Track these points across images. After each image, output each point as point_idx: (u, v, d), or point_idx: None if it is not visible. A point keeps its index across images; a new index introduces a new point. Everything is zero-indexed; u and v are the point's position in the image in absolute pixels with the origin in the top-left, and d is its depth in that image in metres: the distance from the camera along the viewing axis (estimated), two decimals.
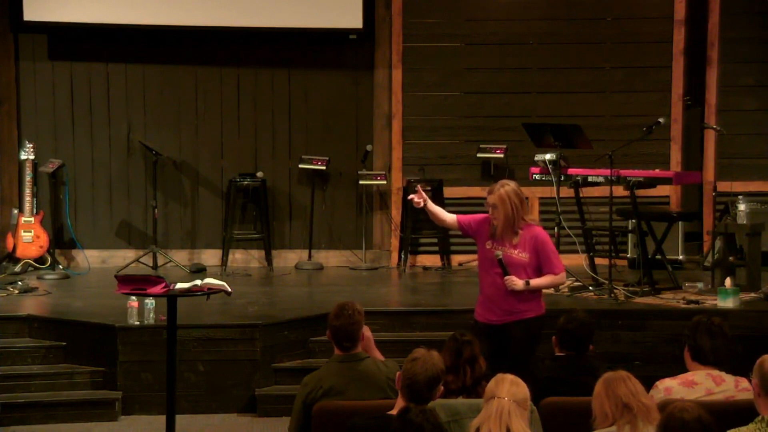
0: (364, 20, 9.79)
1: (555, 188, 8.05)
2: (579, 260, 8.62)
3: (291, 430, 4.68)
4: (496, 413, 3.62)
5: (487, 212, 5.67)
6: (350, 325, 4.69)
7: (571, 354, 4.93)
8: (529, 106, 9.90)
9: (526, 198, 6.07)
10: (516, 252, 5.60)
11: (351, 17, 9.76)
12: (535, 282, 5.61)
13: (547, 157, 8.11)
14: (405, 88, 9.97)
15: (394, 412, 4.00)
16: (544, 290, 5.83)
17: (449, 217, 5.84)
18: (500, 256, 5.58)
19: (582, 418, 3.93)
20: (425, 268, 9.82)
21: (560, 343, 4.99)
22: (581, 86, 9.93)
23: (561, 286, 7.35)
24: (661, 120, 8.21)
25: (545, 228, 5.86)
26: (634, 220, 8.58)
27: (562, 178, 8.17)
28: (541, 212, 9.75)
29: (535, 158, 8.29)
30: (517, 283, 5.56)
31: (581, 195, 8.47)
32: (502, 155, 9.72)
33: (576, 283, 8.10)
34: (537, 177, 8.36)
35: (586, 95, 9.93)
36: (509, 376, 3.78)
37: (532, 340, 5.67)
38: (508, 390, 3.69)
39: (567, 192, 8.43)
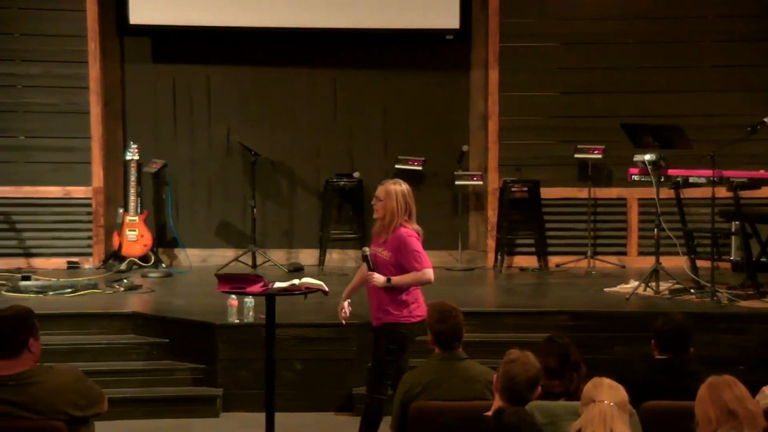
0: (460, 20, 9.78)
1: (655, 189, 7.93)
2: (680, 262, 8.46)
3: (392, 429, 4.71)
4: (599, 417, 3.58)
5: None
6: (456, 325, 4.73)
7: (670, 356, 4.86)
8: (625, 105, 9.72)
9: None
10: (380, 250, 5.62)
11: (448, 17, 9.76)
12: (396, 279, 5.55)
13: (647, 157, 7.99)
14: (501, 88, 9.92)
15: (490, 413, 3.99)
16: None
17: None
18: (367, 252, 5.61)
19: (682, 422, 3.86)
20: (522, 269, 9.75)
21: (658, 346, 4.92)
22: (680, 85, 9.74)
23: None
24: (766, 119, 8.01)
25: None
26: (737, 222, 8.38)
27: (662, 179, 8.04)
28: (640, 213, 9.61)
29: (635, 159, 8.17)
30: (377, 279, 5.55)
31: (682, 196, 8.32)
32: (600, 155, 9.60)
33: (676, 286, 7.96)
34: (636, 178, 8.24)
35: (685, 94, 9.73)
36: (606, 380, 3.74)
37: (391, 344, 5.55)
38: (608, 393, 3.66)
39: (667, 193, 8.29)
